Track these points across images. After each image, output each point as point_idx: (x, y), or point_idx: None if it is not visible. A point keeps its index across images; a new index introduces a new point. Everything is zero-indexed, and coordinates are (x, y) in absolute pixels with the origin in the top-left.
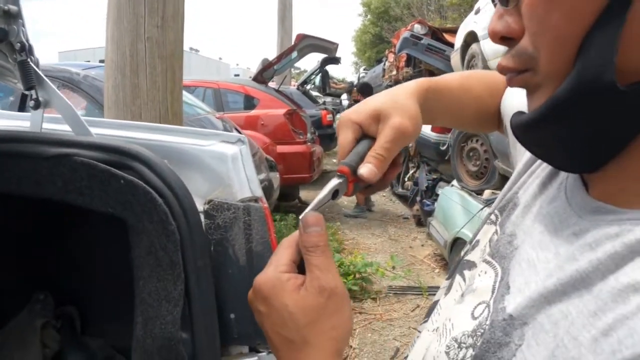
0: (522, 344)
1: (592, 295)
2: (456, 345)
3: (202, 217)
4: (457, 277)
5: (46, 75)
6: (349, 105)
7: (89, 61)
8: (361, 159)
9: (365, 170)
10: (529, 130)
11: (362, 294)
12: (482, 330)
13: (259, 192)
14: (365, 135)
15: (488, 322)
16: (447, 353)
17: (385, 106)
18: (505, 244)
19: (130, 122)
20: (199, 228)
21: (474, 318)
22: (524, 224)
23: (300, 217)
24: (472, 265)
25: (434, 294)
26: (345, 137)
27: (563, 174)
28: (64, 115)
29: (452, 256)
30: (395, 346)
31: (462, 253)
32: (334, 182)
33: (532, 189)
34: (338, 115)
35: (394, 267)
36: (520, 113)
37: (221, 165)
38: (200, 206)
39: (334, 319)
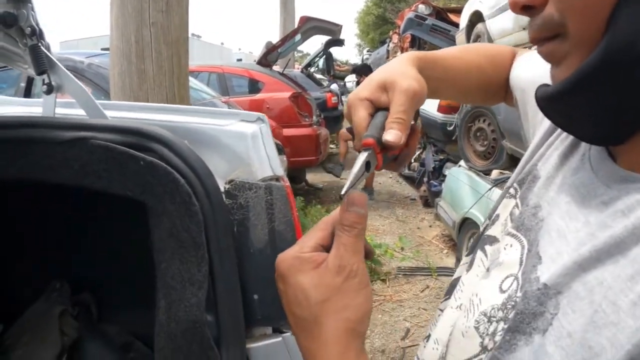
0: (558, 312)
1: (628, 260)
2: (486, 320)
3: (223, 197)
4: (479, 253)
5: None
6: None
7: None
8: (382, 129)
9: (390, 135)
10: (556, 102)
11: (372, 276)
12: (513, 303)
13: (280, 171)
14: (378, 109)
15: (519, 294)
16: (477, 328)
17: (388, 75)
18: (529, 217)
19: (145, 104)
20: (222, 208)
21: (503, 291)
22: (548, 195)
23: (343, 192)
24: (493, 240)
25: (443, 275)
26: (358, 115)
27: (584, 145)
28: (77, 99)
29: (461, 236)
30: (406, 327)
31: (482, 229)
32: (363, 155)
33: (552, 160)
34: (344, 98)
35: (402, 249)
36: (545, 85)
37: (241, 145)
38: (221, 186)
39: (347, 299)
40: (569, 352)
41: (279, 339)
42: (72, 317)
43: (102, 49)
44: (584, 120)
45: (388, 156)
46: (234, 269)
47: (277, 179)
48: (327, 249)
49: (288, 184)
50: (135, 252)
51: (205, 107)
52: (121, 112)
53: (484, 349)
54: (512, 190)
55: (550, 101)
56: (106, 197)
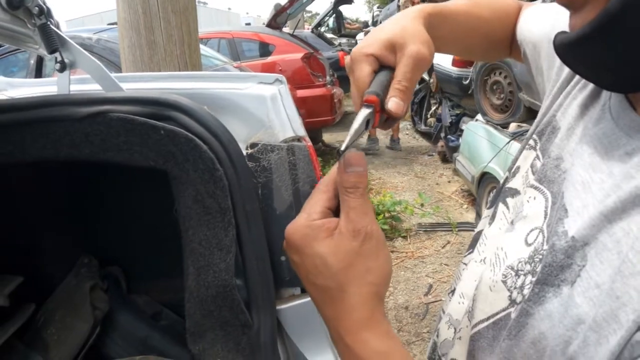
0: (586, 264)
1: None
2: (513, 273)
3: (246, 161)
4: (500, 206)
5: None
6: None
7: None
8: (385, 88)
9: (393, 105)
10: (576, 48)
11: (393, 233)
12: (540, 256)
13: (301, 131)
14: (382, 67)
15: (546, 247)
16: (505, 282)
17: (397, 35)
18: (552, 168)
19: (161, 73)
20: (246, 172)
21: (528, 244)
22: (569, 146)
23: (340, 150)
24: (515, 192)
25: (464, 230)
26: (361, 70)
27: (605, 95)
28: (92, 74)
29: (480, 191)
30: (429, 283)
31: (502, 181)
32: (364, 111)
33: (572, 110)
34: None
35: (422, 205)
36: (563, 32)
37: (261, 107)
38: (242, 150)
39: (369, 261)
40: (596, 302)
41: (308, 299)
42: (102, 291)
43: (109, 24)
44: (603, 67)
45: (383, 115)
46: (260, 232)
47: (299, 139)
48: (334, 211)
49: (310, 143)
50: (159, 221)
51: (221, 72)
52: (137, 84)
53: (512, 302)
54: (531, 142)
55: (570, 48)
56: (128, 167)
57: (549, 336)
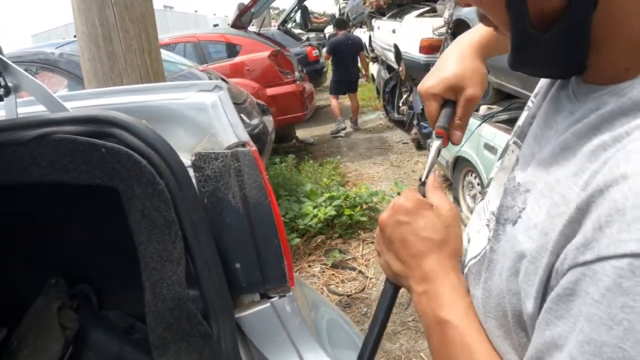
0: (526, 207)
1: (574, 160)
2: (493, 218)
3: (190, 171)
4: (502, 160)
5: (21, 61)
6: (330, 37)
7: (64, 38)
8: (450, 119)
9: (455, 137)
10: (514, 66)
11: (371, 224)
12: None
13: (245, 136)
14: (446, 100)
15: (504, 192)
16: (487, 225)
17: (458, 78)
18: (526, 125)
19: (105, 89)
20: (188, 182)
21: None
22: (543, 106)
23: (423, 178)
24: (507, 147)
25: None
26: (430, 106)
27: None
28: (36, 95)
29: (456, 175)
30: None
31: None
32: (436, 143)
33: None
34: (323, 51)
35: (399, 194)
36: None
37: (202, 116)
38: (187, 160)
39: (457, 229)
40: (534, 239)
41: (268, 304)
42: (71, 310)
43: (75, 36)
44: (544, 66)
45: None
46: (210, 240)
47: (243, 144)
48: None
49: (254, 147)
50: (126, 234)
51: (162, 84)
52: (83, 102)
53: (488, 240)
54: (530, 104)
55: (512, 66)
56: (84, 186)
57: (505, 268)
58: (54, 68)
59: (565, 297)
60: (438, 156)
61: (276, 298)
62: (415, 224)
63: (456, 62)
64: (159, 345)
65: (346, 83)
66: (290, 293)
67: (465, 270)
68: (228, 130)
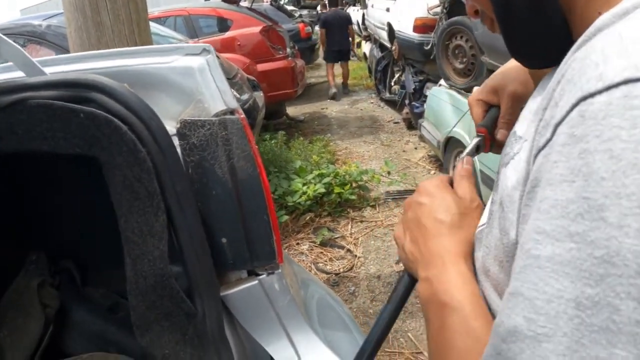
0: (520, 152)
1: (540, 126)
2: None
3: (175, 139)
4: None
5: (8, 33)
6: (318, 17)
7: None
8: (493, 121)
9: (500, 134)
10: (513, 54)
11: (361, 202)
12: None
13: (233, 104)
14: (491, 106)
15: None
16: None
17: (498, 81)
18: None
19: (86, 52)
20: (172, 151)
21: None
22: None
23: (462, 155)
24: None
25: None
26: (476, 112)
27: None
28: (13, 60)
29: (447, 156)
30: None
31: None
32: (476, 139)
33: None
34: (316, 28)
35: (389, 173)
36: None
37: (189, 81)
38: (172, 128)
39: (476, 221)
40: (518, 170)
41: (255, 282)
42: (52, 287)
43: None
44: (534, 42)
45: (494, 144)
46: (195, 213)
47: (232, 112)
48: None
49: (243, 115)
50: (107, 208)
51: (146, 47)
52: (63, 66)
53: (492, 201)
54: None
55: (511, 52)
56: (67, 156)
57: (496, 211)
58: (41, 40)
59: (531, 190)
60: (477, 153)
61: (264, 275)
62: (432, 205)
63: (498, 73)
64: (141, 324)
65: (337, 52)
66: (279, 270)
67: (475, 236)
68: (216, 96)
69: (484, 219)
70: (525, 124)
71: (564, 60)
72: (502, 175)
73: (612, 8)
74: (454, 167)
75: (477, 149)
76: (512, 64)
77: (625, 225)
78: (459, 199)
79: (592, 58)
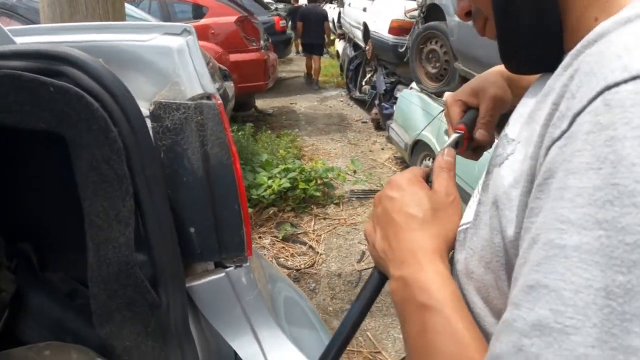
0: (514, 152)
1: (537, 124)
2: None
3: (148, 121)
4: None
5: None
6: (293, 11)
7: None
8: (472, 122)
9: (480, 134)
10: (505, 58)
11: (325, 200)
12: None
13: (211, 88)
14: (469, 108)
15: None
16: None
17: (479, 84)
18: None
19: (62, 25)
20: (145, 133)
21: None
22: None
23: (442, 148)
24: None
25: None
26: (454, 112)
27: None
28: None
29: (413, 158)
30: (361, 250)
31: None
32: (455, 135)
33: None
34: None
35: (355, 172)
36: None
37: (166, 61)
38: (145, 110)
39: (451, 216)
40: (514, 169)
41: (222, 274)
42: (8, 270)
43: None
44: (528, 48)
45: (471, 144)
46: (164, 200)
47: (209, 96)
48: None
49: (220, 101)
50: (70, 189)
51: (125, 22)
52: (33, 37)
53: (478, 202)
54: None
55: (504, 56)
56: (29, 132)
57: (488, 210)
58: (11, 14)
59: (543, 182)
60: (455, 149)
61: (232, 268)
62: (402, 200)
63: (478, 78)
64: (102, 313)
65: (311, 45)
66: (247, 264)
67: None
68: (193, 79)
69: (467, 218)
70: (517, 127)
71: (567, 61)
72: (495, 175)
73: (609, 15)
74: (420, 163)
75: (456, 145)
76: (491, 70)
77: None
78: (432, 193)
79: (613, 50)
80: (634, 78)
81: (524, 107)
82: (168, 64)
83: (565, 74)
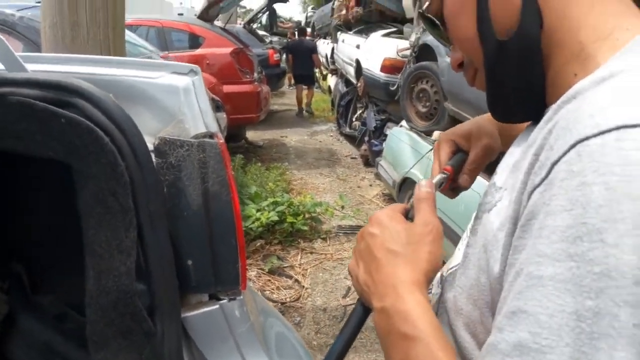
0: (502, 199)
1: (521, 172)
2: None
3: (152, 156)
4: None
5: None
6: (286, 45)
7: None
8: (459, 165)
9: (463, 180)
10: (493, 108)
11: (312, 234)
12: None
13: (214, 127)
14: (459, 149)
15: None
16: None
17: (475, 130)
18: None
19: (71, 55)
20: (151, 168)
21: None
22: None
23: (421, 182)
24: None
25: None
26: (444, 150)
27: None
28: None
29: (401, 196)
30: (347, 285)
31: None
32: (440, 176)
33: None
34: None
35: (343, 207)
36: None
37: (172, 99)
38: (150, 144)
39: (431, 247)
40: (501, 214)
41: (216, 306)
42: (0, 291)
43: (37, 1)
44: (516, 97)
45: (453, 185)
46: (165, 233)
47: (211, 135)
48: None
49: (223, 140)
50: (66, 214)
51: (134, 59)
52: (46, 65)
53: (467, 244)
54: None
55: (492, 110)
56: (30, 158)
57: (477, 252)
58: (10, 30)
59: (526, 223)
60: (439, 187)
61: (226, 300)
62: (383, 236)
63: (473, 122)
64: (98, 340)
65: (302, 76)
66: (241, 297)
67: (444, 278)
68: (198, 118)
69: (456, 261)
70: (504, 176)
71: (548, 115)
72: (484, 221)
73: (587, 72)
74: (408, 201)
75: (440, 185)
76: (486, 117)
77: (622, 244)
78: (410, 227)
79: (586, 109)
80: (601, 133)
81: (511, 157)
82: (174, 102)
83: (546, 127)
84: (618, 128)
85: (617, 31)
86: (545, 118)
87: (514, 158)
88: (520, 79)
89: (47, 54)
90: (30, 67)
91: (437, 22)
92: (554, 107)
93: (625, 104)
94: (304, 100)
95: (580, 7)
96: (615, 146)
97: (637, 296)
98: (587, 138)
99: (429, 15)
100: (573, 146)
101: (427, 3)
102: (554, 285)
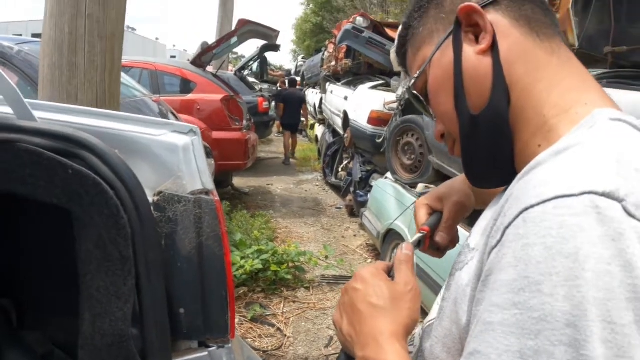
0: (474, 259)
1: (485, 236)
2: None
3: (152, 209)
4: None
5: None
6: (275, 93)
7: (20, 35)
8: (435, 224)
9: (439, 237)
10: (469, 176)
11: (296, 283)
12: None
13: (210, 185)
14: (435, 211)
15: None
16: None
17: (445, 191)
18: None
19: (77, 107)
20: (151, 222)
21: None
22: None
23: (402, 245)
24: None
25: None
26: (420, 213)
27: None
28: (5, 97)
29: (385, 247)
30: (329, 335)
31: None
32: (418, 235)
33: None
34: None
35: (327, 257)
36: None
37: (172, 156)
38: (149, 198)
39: (411, 304)
40: (470, 273)
41: (205, 353)
42: None
43: (33, 35)
44: (489, 163)
45: (433, 245)
46: (161, 282)
47: (207, 192)
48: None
49: (217, 198)
50: (59, 255)
51: (138, 116)
52: (51, 114)
53: (442, 298)
54: None
55: (472, 178)
56: (28, 200)
57: (450, 307)
58: (6, 63)
59: (485, 279)
60: (417, 247)
61: (214, 348)
62: (366, 291)
63: (446, 184)
64: None
65: (290, 125)
66: (230, 345)
67: (423, 330)
68: (195, 175)
69: (433, 315)
70: (477, 237)
71: (512, 185)
72: (457, 278)
73: (549, 143)
74: (392, 252)
75: (418, 244)
76: (458, 178)
77: (555, 294)
78: (392, 284)
79: (533, 183)
80: (543, 202)
81: (483, 221)
82: (174, 159)
83: (505, 196)
84: (556, 197)
85: (576, 106)
86: (510, 187)
87: (485, 221)
88: (491, 150)
89: (51, 104)
90: (37, 114)
91: (421, 98)
92: (518, 176)
93: (565, 177)
94: (287, 150)
95: (544, 85)
96: (553, 213)
97: (569, 337)
98: (531, 206)
99: (414, 92)
100: (520, 213)
101: (412, 81)
102: (502, 330)
